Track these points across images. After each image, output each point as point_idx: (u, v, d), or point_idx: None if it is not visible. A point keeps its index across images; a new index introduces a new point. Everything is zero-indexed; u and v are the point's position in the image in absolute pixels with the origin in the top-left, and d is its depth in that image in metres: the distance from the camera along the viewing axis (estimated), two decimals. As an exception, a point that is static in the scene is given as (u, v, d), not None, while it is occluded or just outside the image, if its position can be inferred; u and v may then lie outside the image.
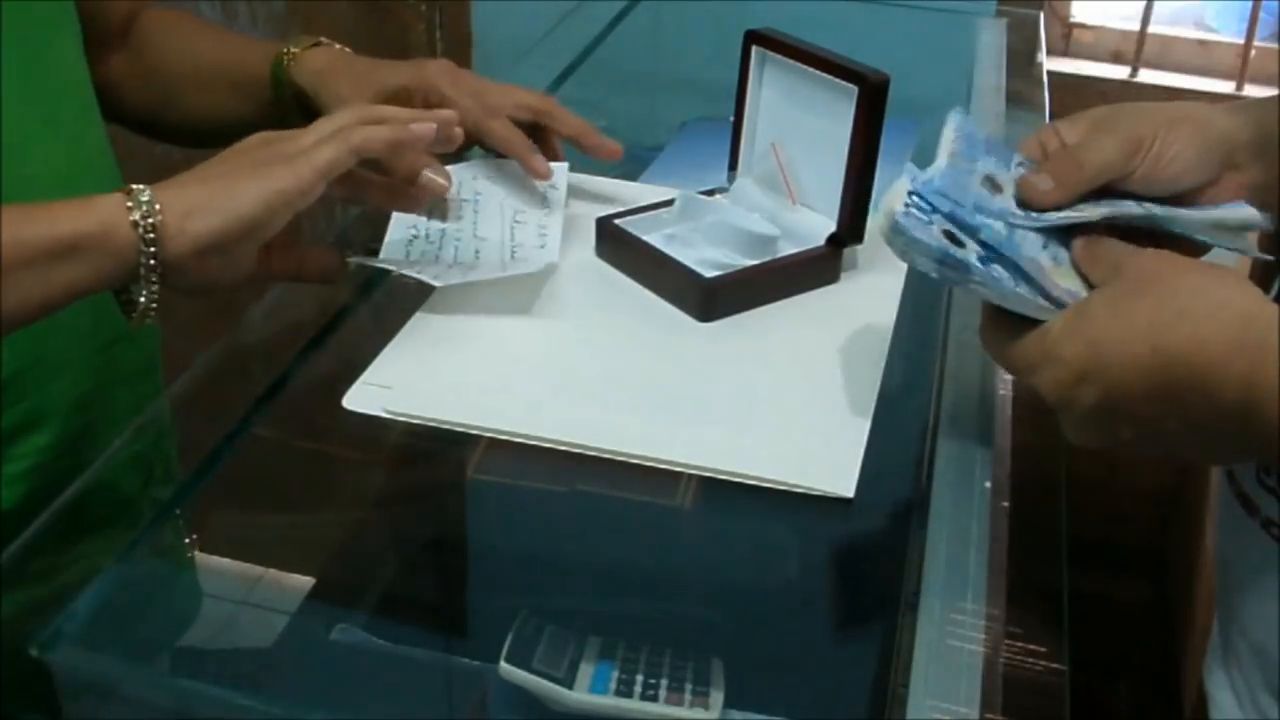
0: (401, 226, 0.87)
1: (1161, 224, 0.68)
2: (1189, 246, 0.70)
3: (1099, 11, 1.72)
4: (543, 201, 0.89)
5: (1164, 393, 0.56)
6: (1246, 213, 0.70)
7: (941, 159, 0.66)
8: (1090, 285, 0.63)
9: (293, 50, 0.90)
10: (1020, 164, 0.69)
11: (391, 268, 0.82)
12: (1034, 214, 0.65)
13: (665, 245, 0.87)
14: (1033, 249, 0.64)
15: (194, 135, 0.98)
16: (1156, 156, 0.67)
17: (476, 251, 0.87)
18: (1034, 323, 0.62)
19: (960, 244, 0.63)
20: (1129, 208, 0.67)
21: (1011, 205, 0.66)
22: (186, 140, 0.99)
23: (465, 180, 0.89)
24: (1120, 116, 0.69)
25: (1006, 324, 0.63)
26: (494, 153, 0.91)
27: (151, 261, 0.66)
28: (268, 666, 0.79)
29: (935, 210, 0.63)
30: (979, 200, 0.65)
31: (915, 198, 0.63)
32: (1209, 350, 0.55)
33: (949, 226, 0.63)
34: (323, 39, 0.91)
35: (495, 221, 0.87)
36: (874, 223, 0.64)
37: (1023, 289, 0.62)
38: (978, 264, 0.62)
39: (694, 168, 1.04)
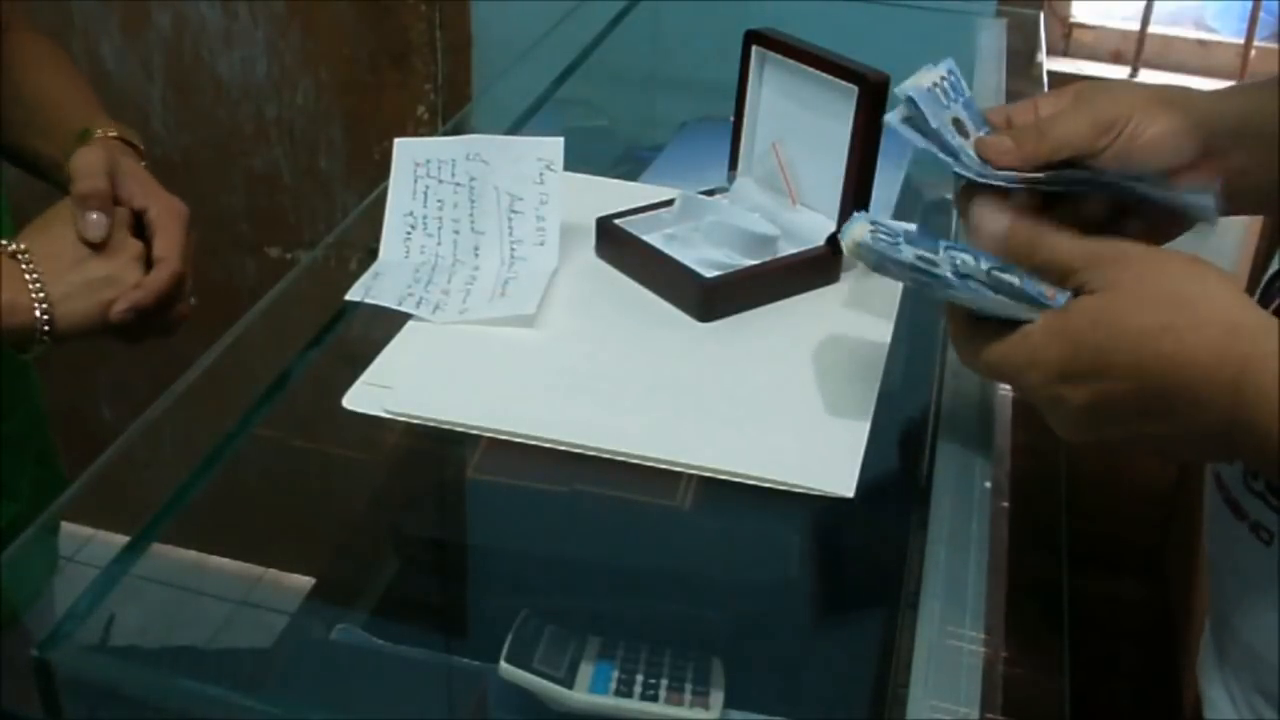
0: (399, 218, 0.87)
1: (1118, 190, 0.68)
2: (1168, 222, 0.69)
3: (1099, 11, 1.71)
4: (539, 180, 0.87)
5: (1150, 399, 0.56)
6: (1203, 201, 0.68)
7: (924, 82, 0.66)
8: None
9: (97, 132, 0.90)
10: (989, 131, 0.69)
11: (391, 304, 0.82)
12: (989, 168, 0.66)
13: (665, 245, 0.87)
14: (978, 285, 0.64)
15: (19, 162, 0.98)
16: (1130, 137, 0.67)
17: (476, 248, 0.87)
18: (1009, 326, 0.62)
19: (932, 262, 0.63)
20: (1080, 174, 0.67)
21: (971, 151, 0.66)
22: (12, 160, 0.99)
23: (459, 159, 0.88)
24: (1100, 93, 0.69)
25: (981, 330, 0.63)
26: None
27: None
28: (268, 666, 0.80)
29: (897, 237, 0.64)
30: (941, 129, 0.65)
31: (879, 225, 0.64)
32: (1196, 360, 0.55)
33: (920, 251, 0.64)
34: (123, 134, 0.90)
35: (492, 212, 0.87)
36: (844, 244, 0.64)
37: (1003, 295, 0.62)
38: (953, 278, 0.63)
39: (694, 168, 1.04)
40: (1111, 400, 0.57)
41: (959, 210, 0.69)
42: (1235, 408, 0.54)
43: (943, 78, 0.68)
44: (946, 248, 0.65)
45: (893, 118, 0.68)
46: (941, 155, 0.66)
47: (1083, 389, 0.58)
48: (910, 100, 0.66)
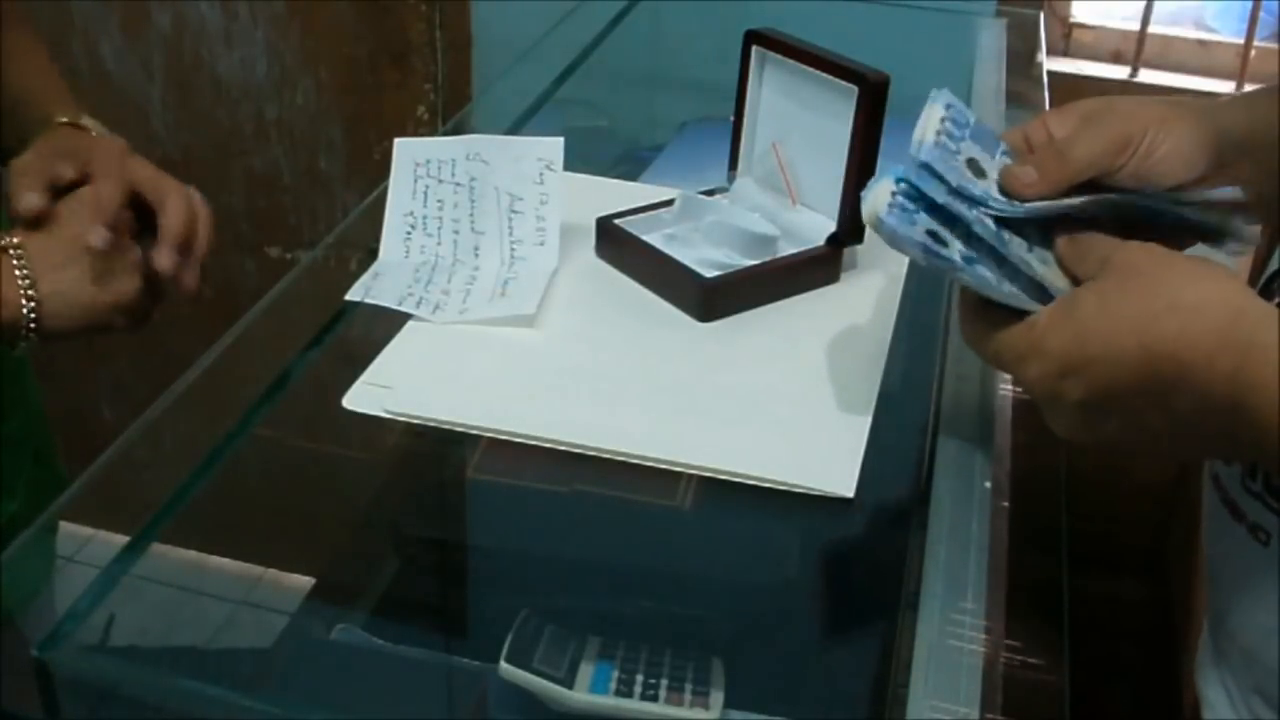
0: (399, 218, 0.87)
1: (1145, 211, 0.68)
2: (1178, 239, 0.70)
3: (1099, 11, 1.71)
4: (539, 180, 0.87)
5: (1151, 387, 0.56)
6: (1232, 193, 0.69)
7: (929, 136, 0.66)
8: (1078, 282, 0.63)
9: (59, 120, 0.89)
10: (1005, 153, 0.68)
11: (391, 304, 0.82)
12: (1015, 201, 0.65)
13: (665, 245, 0.87)
14: (1019, 250, 0.64)
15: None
16: (1146, 154, 0.67)
17: (476, 248, 0.87)
18: (1017, 314, 0.62)
19: (944, 243, 0.63)
20: (1110, 197, 0.67)
21: (994, 190, 0.66)
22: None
23: (459, 159, 0.88)
24: (1110, 112, 0.69)
25: (989, 316, 0.63)
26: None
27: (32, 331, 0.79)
28: (268, 666, 0.80)
29: (920, 201, 0.63)
30: (962, 183, 0.64)
31: (903, 184, 0.63)
32: (1196, 346, 0.55)
33: (932, 226, 0.63)
34: (72, 120, 0.90)
35: (492, 212, 0.87)
36: (864, 212, 0.64)
37: (1006, 285, 0.63)
38: (961, 262, 0.63)
39: (694, 168, 1.04)
40: (1111, 392, 0.57)
41: None
42: (1235, 396, 0.54)
43: (944, 116, 0.67)
44: (962, 199, 0.64)
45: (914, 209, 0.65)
46: (971, 211, 0.64)
47: (1082, 382, 0.58)
48: (926, 167, 0.64)
